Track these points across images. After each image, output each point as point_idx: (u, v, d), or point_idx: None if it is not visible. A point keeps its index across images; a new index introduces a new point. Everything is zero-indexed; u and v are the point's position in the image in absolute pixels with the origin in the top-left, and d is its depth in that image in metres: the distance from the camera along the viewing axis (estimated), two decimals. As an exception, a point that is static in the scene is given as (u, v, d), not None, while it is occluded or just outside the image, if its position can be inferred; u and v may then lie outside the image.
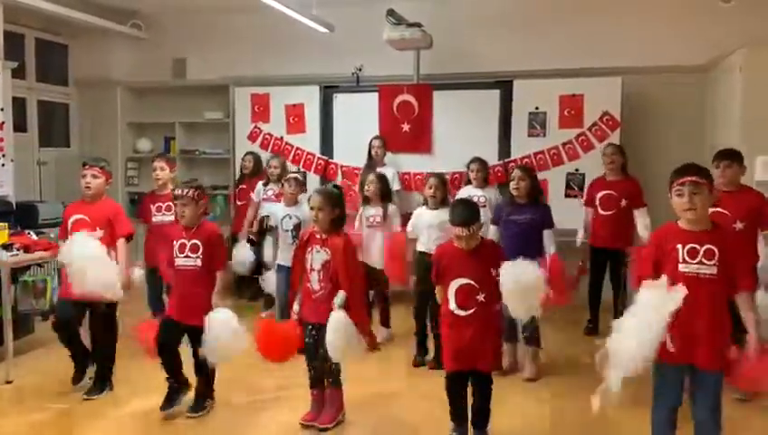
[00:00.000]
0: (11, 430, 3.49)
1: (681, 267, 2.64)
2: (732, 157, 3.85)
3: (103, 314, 3.81)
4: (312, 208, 3.44)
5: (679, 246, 2.65)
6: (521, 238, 4.00)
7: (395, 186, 5.72)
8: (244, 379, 4.16)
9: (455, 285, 3.10)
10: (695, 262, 2.63)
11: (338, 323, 3.25)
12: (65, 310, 3.90)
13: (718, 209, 3.62)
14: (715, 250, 2.61)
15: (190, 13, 7.05)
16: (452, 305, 3.11)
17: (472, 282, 3.08)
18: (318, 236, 3.44)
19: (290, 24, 5.90)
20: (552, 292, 3.71)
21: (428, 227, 4.47)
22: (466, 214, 3.11)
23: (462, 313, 3.09)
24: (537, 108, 6.07)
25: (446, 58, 6.40)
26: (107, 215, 3.91)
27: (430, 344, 4.47)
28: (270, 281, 5.07)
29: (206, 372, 3.68)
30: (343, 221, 3.51)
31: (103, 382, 3.96)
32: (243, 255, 5.49)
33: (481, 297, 3.07)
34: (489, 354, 3.14)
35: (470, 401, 3.23)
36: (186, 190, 3.62)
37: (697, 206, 2.62)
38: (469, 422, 3.23)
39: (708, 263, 2.62)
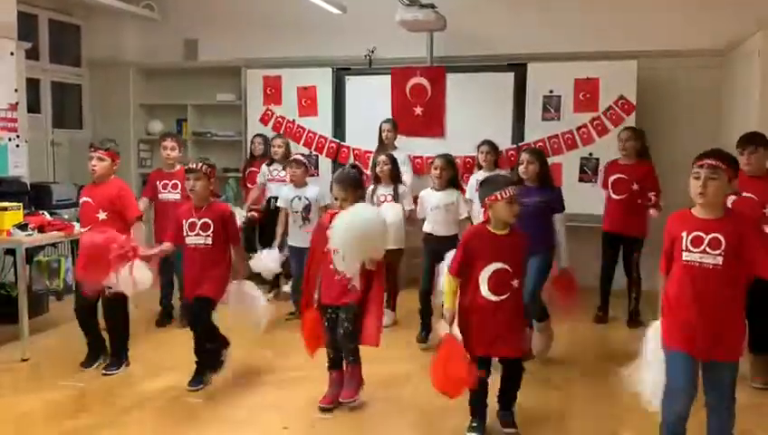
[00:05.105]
0: (27, 407, 3.53)
1: (684, 256, 2.55)
2: (756, 141, 3.78)
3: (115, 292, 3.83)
4: (335, 199, 3.49)
5: (684, 234, 2.56)
6: (529, 222, 3.72)
7: (406, 169, 5.53)
8: (261, 358, 4.20)
9: (488, 269, 3.00)
10: (698, 250, 2.52)
11: None
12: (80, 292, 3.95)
13: (745, 194, 3.56)
14: (722, 240, 2.48)
15: (202, -7, 7.03)
16: (484, 291, 3.01)
17: (507, 266, 3.00)
18: None
19: (302, 5, 5.86)
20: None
21: (435, 208, 4.46)
22: (504, 178, 3.16)
23: (495, 298, 3.00)
24: (551, 91, 6.01)
25: (459, 40, 6.33)
26: (110, 197, 3.93)
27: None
28: (260, 261, 4.92)
29: (209, 343, 3.74)
30: (363, 200, 3.57)
31: (120, 358, 4.02)
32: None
33: (515, 283, 3.02)
34: (519, 340, 3.12)
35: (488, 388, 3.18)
36: (199, 164, 3.71)
37: (709, 192, 2.50)
38: (495, 399, 3.20)
39: (713, 252, 2.49)
